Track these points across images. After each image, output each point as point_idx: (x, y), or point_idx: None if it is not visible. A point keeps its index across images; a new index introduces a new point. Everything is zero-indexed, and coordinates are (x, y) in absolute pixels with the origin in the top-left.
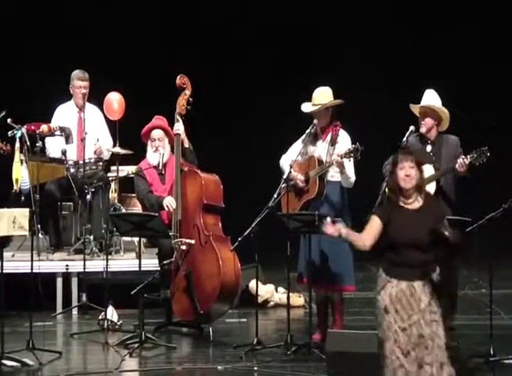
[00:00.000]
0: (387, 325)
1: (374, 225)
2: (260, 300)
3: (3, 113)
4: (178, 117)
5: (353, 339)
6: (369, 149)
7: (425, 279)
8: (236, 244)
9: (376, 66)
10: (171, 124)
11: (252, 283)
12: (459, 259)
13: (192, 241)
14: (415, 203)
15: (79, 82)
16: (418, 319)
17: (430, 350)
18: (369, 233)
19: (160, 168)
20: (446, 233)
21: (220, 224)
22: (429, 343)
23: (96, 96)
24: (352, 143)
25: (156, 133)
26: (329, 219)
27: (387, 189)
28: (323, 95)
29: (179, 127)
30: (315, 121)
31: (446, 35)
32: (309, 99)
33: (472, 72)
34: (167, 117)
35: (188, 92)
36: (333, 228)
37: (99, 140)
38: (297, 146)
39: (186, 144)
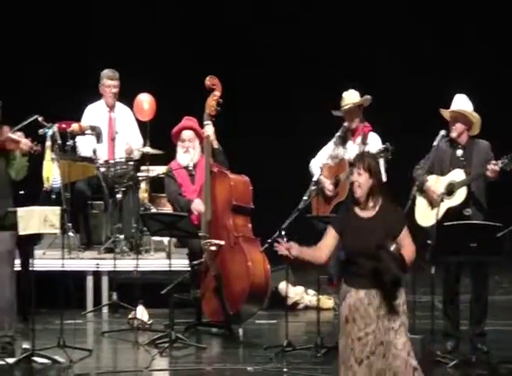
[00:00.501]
0: (346, 335)
1: (329, 235)
2: (290, 302)
3: (34, 117)
4: (208, 119)
5: None
6: (400, 151)
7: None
8: (266, 245)
9: (405, 68)
10: (202, 125)
11: (282, 285)
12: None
13: (222, 242)
14: (369, 211)
15: (109, 81)
16: (376, 327)
17: (387, 358)
18: (325, 244)
19: (190, 168)
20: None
21: (249, 225)
22: (386, 351)
23: (127, 98)
24: (383, 144)
25: (187, 134)
26: (283, 240)
27: (417, 194)
28: (353, 95)
29: (209, 129)
30: (345, 124)
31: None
32: (336, 99)
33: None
34: (198, 118)
35: (217, 93)
36: (284, 248)
37: (130, 140)
38: (326, 150)
39: (216, 145)
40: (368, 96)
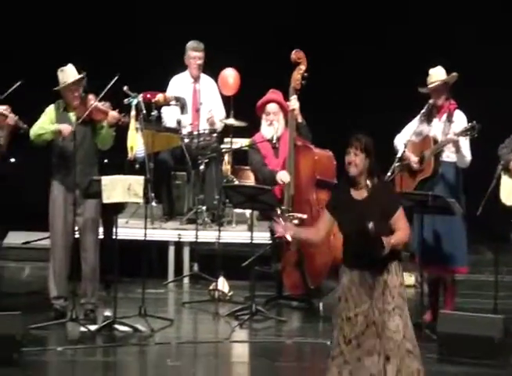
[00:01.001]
0: (338, 314)
1: (325, 217)
2: None
3: (116, 78)
4: (293, 93)
5: (465, 321)
6: (486, 130)
7: (381, 268)
8: None
9: (491, 46)
10: (286, 99)
11: None
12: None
13: (304, 216)
14: (362, 192)
15: (194, 53)
16: (367, 308)
17: (380, 339)
18: (322, 224)
19: (274, 141)
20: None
21: None
22: (380, 332)
23: (213, 71)
24: (469, 122)
25: (271, 107)
26: (280, 219)
27: (502, 173)
28: (439, 72)
29: (294, 102)
30: (431, 101)
31: None
32: (421, 77)
33: None
34: (282, 91)
35: (303, 67)
36: (282, 228)
37: (212, 110)
38: (411, 126)
39: (300, 119)
40: (454, 74)
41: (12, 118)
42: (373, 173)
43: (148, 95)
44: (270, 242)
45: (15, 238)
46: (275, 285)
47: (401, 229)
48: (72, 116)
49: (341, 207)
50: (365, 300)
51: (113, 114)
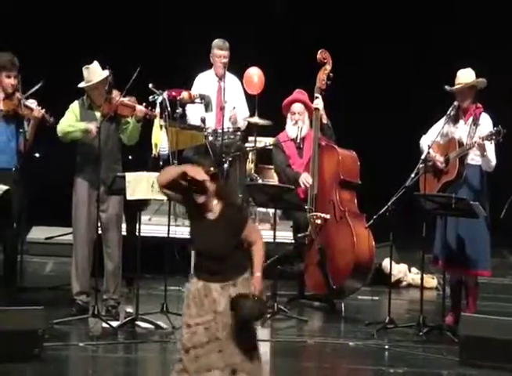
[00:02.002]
0: (183, 315)
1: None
2: (393, 279)
3: (138, 70)
4: (318, 92)
5: (487, 324)
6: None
7: (227, 282)
8: (371, 221)
9: None
10: (311, 99)
11: (385, 262)
12: None
13: (328, 216)
14: (213, 213)
15: (219, 51)
16: (210, 321)
17: (224, 354)
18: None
19: (298, 141)
20: None
21: (355, 201)
22: (223, 347)
23: (238, 70)
24: (494, 126)
25: (297, 107)
26: None
27: None
28: (468, 75)
29: (319, 102)
30: (455, 103)
31: None
32: (449, 77)
33: None
34: (307, 91)
35: (328, 67)
36: None
37: (235, 108)
38: (437, 127)
39: (325, 120)
40: (482, 79)
41: (38, 111)
42: (221, 196)
43: (173, 93)
44: (293, 241)
45: (38, 233)
46: (297, 285)
47: (256, 244)
48: (97, 113)
49: (195, 223)
50: (208, 312)
51: (141, 108)
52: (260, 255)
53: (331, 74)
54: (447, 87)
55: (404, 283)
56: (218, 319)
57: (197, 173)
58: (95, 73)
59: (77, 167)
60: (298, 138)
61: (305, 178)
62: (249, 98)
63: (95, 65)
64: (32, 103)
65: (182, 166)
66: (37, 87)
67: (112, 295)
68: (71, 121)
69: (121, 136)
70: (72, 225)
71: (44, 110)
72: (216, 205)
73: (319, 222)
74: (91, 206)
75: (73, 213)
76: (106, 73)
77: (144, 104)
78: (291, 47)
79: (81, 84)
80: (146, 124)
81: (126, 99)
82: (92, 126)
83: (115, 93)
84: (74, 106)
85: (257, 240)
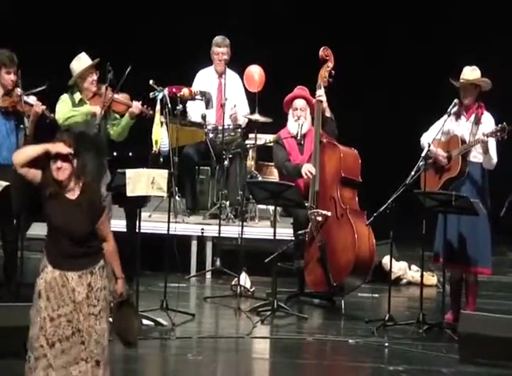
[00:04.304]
0: (37, 309)
1: (40, 174)
2: (393, 277)
3: (129, 69)
4: (320, 89)
5: (487, 322)
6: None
7: (84, 270)
8: (372, 219)
9: None
10: (313, 96)
11: (385, 260)
12: None
13: (329, 213)
14: (74, 192)
15: (217, 48)
16: (70, 312)
17: (87, 345)
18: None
19: (299, 137)
20: None
21: (356, 198)
22: (86, 338)
23: (238, 66)
24: (498, 123)
25: (299, 102)
26: None
27: None
28: (474, 73)
29: (322, 93)
30: (456, 100)
31: None
32: (449, 76)
33: None
34: (309, 88)
35: (330, 65)
36: None
37: (236, 106)
38: (438, 125)
39: (328, 113)
40: (486, 80)
41: (38, 106)
42: (81, 173)
43: (173, 90)
44: (293, 238)
45: (38, 229)
46: (297, 282)
47: (109, 243)
48: (87, 106)
49: (52, 202)
50: (68, 303)
51: (137, 105)
52: (117, 257)
53: (333, 72)
54: (452, 80)
55: (404, 281)
56: (77, 310)
57: (60, 148)
58: (85, 61)
59: None
60: (299, 134)
61: (308, 169)
62: (249, 95)
63: (84, 55)
64: (31, 99)
65: (41, 144)
66: (40, 88)
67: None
68: (70, 108)
69: (110, 132)
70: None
71: (44, 106)
72: (76, 185)
73: (319, 219)
74: None
75: None
76: (97, 59)
77: (140, 102)
78: (292, 44)
79: (74, 75)
80: (147, 120)
81: (120, 96)
82: (95, 109)
83: (103, 89)
84: (66, 98)
85: (110, 238)
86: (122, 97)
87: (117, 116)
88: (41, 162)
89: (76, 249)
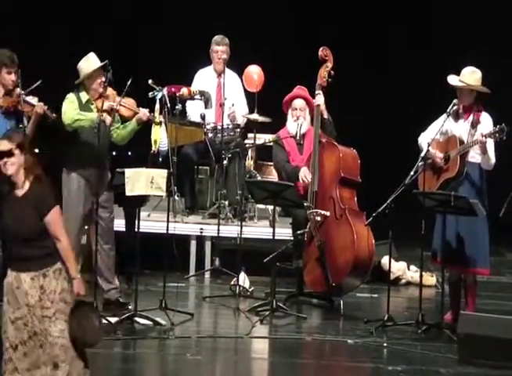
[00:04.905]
0: (2, 312)
1: None
2: (392, 277)
3: (130, 81)
4: (319, 89)
5: (487, 322)
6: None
7: (36, 273)
8: (371, 219)
9: None
10: (312, 96)
11: (384, 260)
12: None
13: (328, 213)
14: (21, 189)
15: (216, 47)
16: (25, 315)
17: (45, 348)
18: None
19: (298, 137)
20: None
21: (355, 198)
22: (43, 341)
23: (237, 66)
24: (497, 124)
25: (298, 102)
26: None
27: None
28: (473, 76)
29: (320, 98)
30: (455, 101)
31: None
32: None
33: None
34: (308, 88)
35: (330, 65)
36: None
37: (234, 105)
38: (436, 125)
39: (325, 115)
40: (483, 88)
41: (40, 107)
42: (30, 169)
43: (172, 89)
44: (292, 238)
45: None
46: (296, 282)
47: (61, 243)
48: (94, 108)
49: (5, 204)
50: (22, 305)
51: (145, 112)
52: (71, 256)
53: (332, 72)
54: (450, 81)
55: (403, 281)
56: (31, 313)
57: (2, 144)
58: (94, 61)
59: (71, 162)
60: (298, 134)
61: (304, 174)
62: (248, 95)
63: (93, 55)
64: (33, 99)
65: None
66: (36, 84)
67: (111, 285)
68: (77, 110)
69: (113, 135)
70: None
71: (46, 106)
72: (25, 182)
73: (318, 219)
74: (86, 203)
75: (64, 209)
76: (105, 62)
77: (148, 110)
78: (292, 44)
79: (82, 74)
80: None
81: (126, 101)
82: (104, 117)
83: (110, 91)
84: (72, 97)
85: (62, 238)
86: (129, 102)
87: (133, 121)
88: None
89: (27, 250)
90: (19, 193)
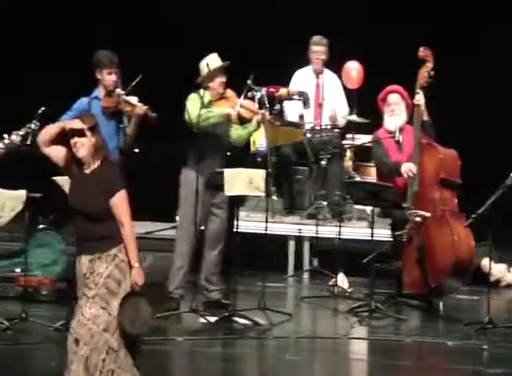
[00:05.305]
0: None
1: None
2: (492, 279)
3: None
4: (419, 89)
5: None
6: None
7: (94, 255)
8: (471, 220)
9: None
10: (411, 96)
11: (485, 262)
12: None
13: (428, 214)
14: (90, 168)
15: (315, 47)
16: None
17: (76, 321)
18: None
19: (397, 133)
20: None
21: (456, 200)
22: (76, 315)
23: (336, 67)
24: None
25: (393, 97)
26: None
27: None
28: None
29: (420, 98)
30: None
31: None
32: None
33: None
34: (408, 88)
35: (430, 65)
36: None
37: (335, 107)
38: None
39: (425, 117)
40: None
41: (140, 107)
42: (99, 150)
43: (271, 89)
44: (391, 239)
45: (138, 228)
46: (394, 283)
47: (125, 229)
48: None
49: (73, 180)
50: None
51: (265, 114)
52: (132, 243)
53: (432, 72)
54: None
55: (503, 283)
56: (82, 290)
57: (75, 123)
58: (215, 61)
59: (192, 159)
60: (397, 130)
61: (409, 167)
62: (349, 93)
63: (215, 55)
64: (133, 99)
65: (60, 122)
66: (136, 80)
67: (215, 287)
68: (203, 109)
69: (232, 135)
70: (178, 219)
71: (146, 106)
72: (94, 162)
73: (418, 219)
74: (203, 204)
75: (181, 206)
76: (227, 63)
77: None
78: (391, 42)
79: (203, 74)
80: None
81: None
82: (231, 111)
83: (230, 93)
84: (196, 98)
85: (126, 223)
86: (249, 104)
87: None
88: (63, 142)
89: (90, 228)
90: (88, 171)
